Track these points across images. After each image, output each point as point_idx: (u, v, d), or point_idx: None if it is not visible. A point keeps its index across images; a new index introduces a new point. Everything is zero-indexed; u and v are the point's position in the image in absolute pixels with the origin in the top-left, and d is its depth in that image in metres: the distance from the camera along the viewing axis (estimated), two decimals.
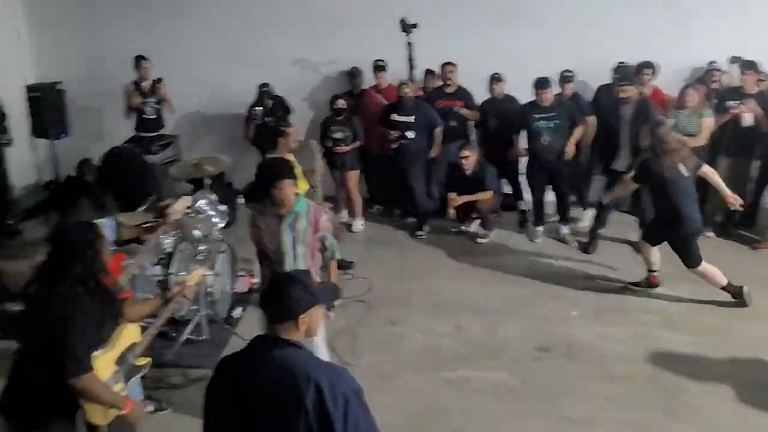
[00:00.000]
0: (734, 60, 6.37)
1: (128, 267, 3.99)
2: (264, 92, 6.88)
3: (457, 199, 6.28)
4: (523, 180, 6.68)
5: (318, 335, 3.60)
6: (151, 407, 3.76)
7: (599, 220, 6.12)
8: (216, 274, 4.65)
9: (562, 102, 6.18)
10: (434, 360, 4.45)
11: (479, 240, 6.40)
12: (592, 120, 6.31)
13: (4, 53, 7.24)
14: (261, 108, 6.85)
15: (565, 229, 6.38)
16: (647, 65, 6.19)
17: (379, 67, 6.86)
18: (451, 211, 6.33)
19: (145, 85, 6.94)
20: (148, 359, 3.02)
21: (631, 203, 6.14)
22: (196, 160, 5.39)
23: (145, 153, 6.38)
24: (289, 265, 3.49)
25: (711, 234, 6.25)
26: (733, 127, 5.94)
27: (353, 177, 6.70)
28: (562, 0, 6.85)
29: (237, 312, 4.99)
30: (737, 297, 4.99)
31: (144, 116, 6.97)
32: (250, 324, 4.59)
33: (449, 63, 6.70)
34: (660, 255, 5.20)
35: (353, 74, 7.12)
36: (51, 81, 7.17)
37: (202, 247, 4.75)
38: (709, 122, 5.89)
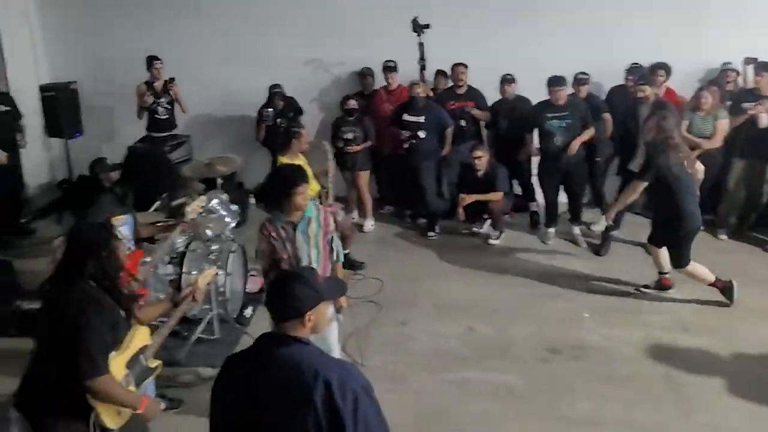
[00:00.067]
0: (749, 61, 6.30)
1: (146, 265, 4.00)
2: (275, 93, 6.87)
3: (466, 198, 6.27)
4: (534, 181, 6.65)
5: (332, 336, 3.62)
6: (163, 405, 3.78)
7: (613, 222, 6.09)
8: (227, 274, 4.66)
9: (576, 102, 6.14)
10: (444, 361, 4.44)
11: (490, 241, 6.39)
12: (608, 117, 6.27)
13: (18, 53, 7.28)
14: (272, 109, 6.86)
15: (577, 230, 6.35)
16: (661, 66, 6.15)
17: (389, 68, 6.86)
18: (461, 211, 6.31)
19: (158, 85, 6.96)
20: (159, 362, 3.01)
21: (643, 205, 6.10)
22: (209, 159, 5.40)
23: None
24: None
25: (724, 236, 6.21)
26: (749, 128, 5.90)
27: (364, 177, 6.71)
28: (573, 1, 6.82)
29: (248, 311, 5.00)
30: (726, 292, 4.97)
31: (156, 116, 6.98)
32: (262, 323, 4.58)
33: (460, 64, 6.68)
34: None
35: (364, 75, 7.11)
36: (65, 81, 7.23)
37: (213, 247, 4.78)
38: (724, 124, 5.85)
